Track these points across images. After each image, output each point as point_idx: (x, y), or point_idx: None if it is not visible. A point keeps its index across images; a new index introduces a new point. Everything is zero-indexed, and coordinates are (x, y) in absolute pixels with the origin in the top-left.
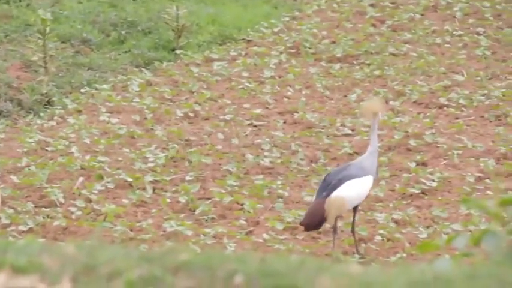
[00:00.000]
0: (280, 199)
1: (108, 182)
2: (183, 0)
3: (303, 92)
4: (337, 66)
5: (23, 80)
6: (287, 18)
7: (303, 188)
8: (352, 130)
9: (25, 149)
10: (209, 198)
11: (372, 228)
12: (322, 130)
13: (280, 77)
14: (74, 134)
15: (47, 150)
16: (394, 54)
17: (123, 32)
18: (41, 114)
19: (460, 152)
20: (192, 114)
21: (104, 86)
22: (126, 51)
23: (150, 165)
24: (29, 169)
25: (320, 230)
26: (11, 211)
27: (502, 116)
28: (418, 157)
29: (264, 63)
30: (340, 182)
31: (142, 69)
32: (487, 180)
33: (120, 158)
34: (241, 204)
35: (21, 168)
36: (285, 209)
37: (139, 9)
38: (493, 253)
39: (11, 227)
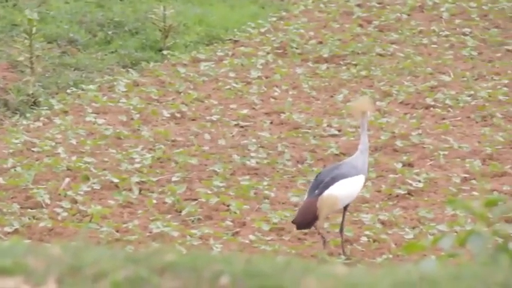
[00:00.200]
0: (266, 200)
1: (94, 183)
2: (170, 1)
3: (290, 93)
4: (324, 66)
5: (9, 81)
6: (274, 19)
7: (289, 188)
8: (339, 131)
9: (11, 150)
10: (195, 199)
11: (358, 229)
12: (309, 131)
13: (267, 78)
14: (60, 135)
15: (33, 151)
16: (380, 55)
17: (109, 32)
18: (27, 114)
19: (446, 152)
20: (178, 115)
21: (91, 86)
22: (112, 52)
23: (137, 166)
24: (15, 170)
25: (306, 231)
26: None
27: (488, 117)
28: (405, 158)
29: (250, 64)
30: (333, 181)
31: (129, 69)
32: (473, 181)
33: (106, 159)
34: (228, 205)
35: (7, 169)
36: (271, 210)
37: (126, 10)
38: (479, 254)
39: None
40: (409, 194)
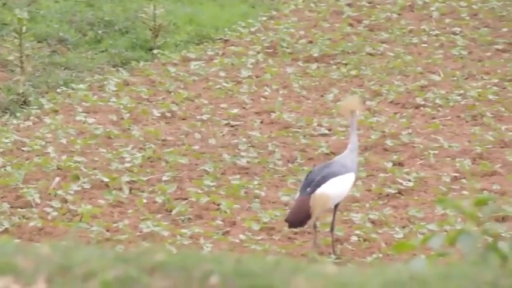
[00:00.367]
0: (256, 199)
1: (84, 183)
2: (160, 0)
3: (280, 92)
4: (314, 66)
5: None
6: (264, 18)
7: (279, 188)
8: (329, 130)
9: (1, 149)
10: (186, 199)
11: (348, 228)
12: (299, 130)
13: (257, 77)
14: (50, 134)
15: (23, 150)
16: (371, 54)
17: (100, 32)
18: (17, 114)
19: (436, 152)
20: (169, 114)
21: (81, 85)
22: (103, 51)
23: (127, 165)
24: (5, 169)
25: (297, 230)
26: None
27: (478, 116)
28: (395, 157)
29: (241, 63)
30: (324, 179)
31: (119, 68)
32: (463, 180)
33: (96, 158)
34: (218, 205)
35: None
36: (262, 209)
37: (116, 9)
38: (468, 253)
39: None
40: (399, 193)
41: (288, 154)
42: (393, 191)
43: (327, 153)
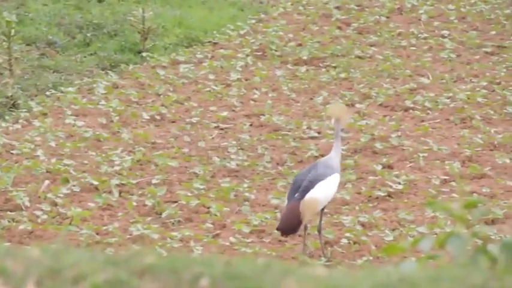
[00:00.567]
0: (246, 202)
1: (74, 186)
2: (149, 3)
3: (270, 95)
4: (304, 68)
5: None
6: (253, 21)
7: (269, 190)
8: (319, 133)
9: None
10: (176, 202)
11: (338, 231)
12: (289, 133)
13: (246, 80)
14: (39, 137)
15: (12, 153)
16: (360, 57)
17: (88, 35)
18: (6, 117)
19: (426, 154)
20: (158, 117)
21: (70, 88)
22: (91, 54)
23: (116, 168)
24: None
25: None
26: None
27: (467, 119)
28: (384, 160)
29: (230, 66)
30: (311, 184)
31: (108, 71)
32: (453, 183)
33: (86, 161)
34: (208, 208)
35: None
36: (252, 212)
37: (105, 12)
38: (458, 255)
39: None
40: (389, 196)
41: (278, 157)
42: (383, 194)
43: (316, 156)
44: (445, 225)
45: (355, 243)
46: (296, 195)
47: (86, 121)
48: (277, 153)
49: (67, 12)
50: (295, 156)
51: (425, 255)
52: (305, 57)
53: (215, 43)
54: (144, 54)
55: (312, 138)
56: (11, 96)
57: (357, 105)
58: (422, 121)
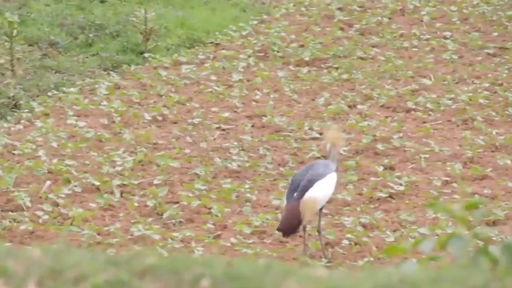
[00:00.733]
0: (248, 203)
1: (75, 186)
2: (151, 4)
3: (271, 96)
4: (305, 69)
5: None
6: (255, 22)
7: (270, 191)
8: (320, 134)
9: None
10: (177, 202)
11: (339, 232)
12: (290, 134)
13: (248, 81)
14: (41, 138)
15: (13, 153)
16: (362, 58)
17: (91, 35)
18: (8, 117)
19: (427, 156)
20: (160, 118)
21: (72, 89)
22: (94, 54)
23: (118, 168)
24: None
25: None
26: None
27: (469, 120)
28: (386, 161)
29: (232, 67)
30: (310, 183)
31: (110, 72)
32: (454, 184)
33: (87, 162)
34: (209, 208)
35: None
36: (253, 212)
37: (107, 12)
38: (459, 257)
39: None
40: (390, 197)
41: (279, 158)
42: (384, 195)
43: (318, 157)
44: (446, 226)
45: (356, 244)
46: (295, 194)
47: (88, 122)
48: (278, 154)
49: (69, 13)
50: (296, 157)
51: (427, 257)
52: (307, 58)
53: (217, 44)
54: (146, 55)
55: (314, 139)
56: (13, 96)
57: (359, 106)
58: (424, 122)
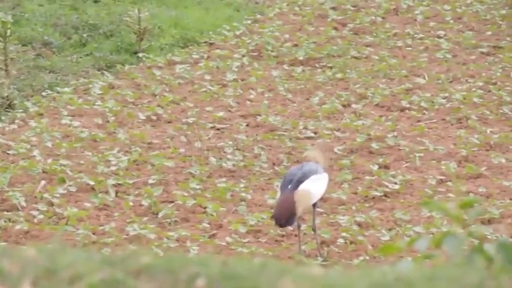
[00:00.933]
0: (243, 202)
1: (70, 186)
2: (144, 3)
3: (266, 95)
4: (300, 69)
5: None
6: (249, 21)
7: (265, 191)
8: (315, 133)
9: None
10: (172, 202)
11: (334, 231)
12: (285, 133)
13: (242, 80)
14: (35, 138)
15: (8, 153)
16: (356, 57)
17: (84, 35)
18: (2, 117)
19: (422, 154)
20: (154, 118)
21: (66, 89)
22: (87, 54)
23: (113, 168)
24: None
25: (283, 232)
26: None
27: (463, 119)
28: (380, 160)
29: (226, 66)
30: (305, 176)
31: (104, 72)
32: (449, 183)
33: (82, 162)
34: (204, 208)
35: None
36: (248, 212)
37: (100, 12)
38: (454, 255)
39: None
40: (385, 196)
41: (274, 157)
42: (379, 194)
43: None
44: (441, 225)
45: (351, 243)
46: (289, 186)
47: (82, 121)
48: (273, 154)
49: (63, 13)
50: (291, 157)
51: (422, 255)
52: (301, 58)
53: (211, 43)
54: (140, 54)
55: (309, 138)
56: (7, 96)
57: (353, 106)
58: (419, 121)
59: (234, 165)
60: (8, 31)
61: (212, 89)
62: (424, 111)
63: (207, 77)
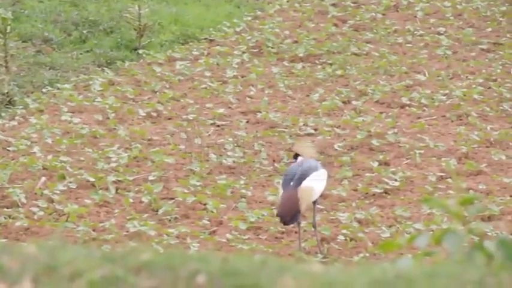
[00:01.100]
0: (243, 199)
1: (70, 182)
2: (145, 0)
3: (266, 92)
4: (300, 65)
5: None
6: (249, 18)
7: (266, 187)
8: (315, 130)
9: None
10: (172, 198)
11: (334, 227)
12: (285, 130)
13: (242, 77)
14: (35, 134)
15: (8, 150)
16: (356, 54)
17: (84, 31)
18: (2, 114)
19: (422, 151)
20: (154, 114)
21: (66, 85)
22: (88, 51)
23: (113, 165)
24: None
25: (283, 229)
26: None
27: (463, 116)
28: (381, 157)
29: (226, 63)
30: (306, 173)
31: (104, 68)
32: (449, 180)
33: (82, 158)
34: (205, 204)
35: None
36: (248, 208)
37: (101, 9)
38: (454, 252)
39: None
40: (385, 192)
41: (274, 154)
42: (379, 191)
43: None
44: (441, 221)
45: (351, 239)
46: (291, 183)
47: (82, 118)
48: (273, 150)
49: (63, 9)
50: (291, 153)
51: (422, 252)
52: (301, 54)
53: (211, 40)
54: (140, 51)
55: (309, 135)
56: (7, 93)
57: (353, 102)
58: (419, 118)
59: (234, 162)
60: (8, 27)
61: (212, 85)
62: (424, 108)
63: (207, 74)
